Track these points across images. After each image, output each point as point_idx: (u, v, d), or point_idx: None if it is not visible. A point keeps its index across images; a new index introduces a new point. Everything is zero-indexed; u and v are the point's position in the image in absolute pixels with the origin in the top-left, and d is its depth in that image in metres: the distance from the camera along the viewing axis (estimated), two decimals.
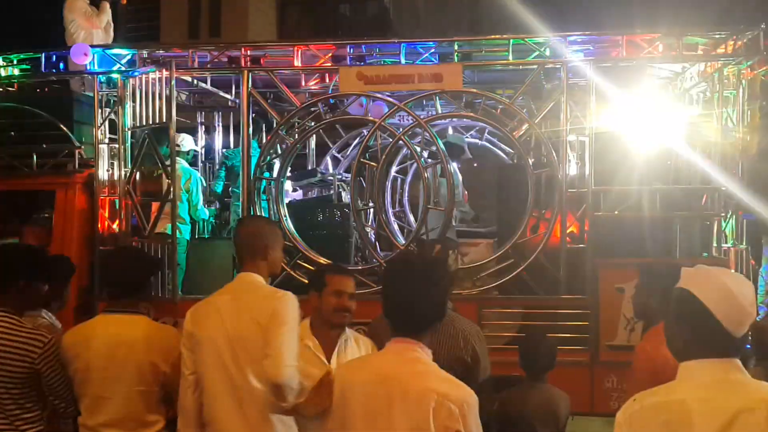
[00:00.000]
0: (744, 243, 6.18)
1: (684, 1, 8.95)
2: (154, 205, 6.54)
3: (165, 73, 6.34)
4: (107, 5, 8.06)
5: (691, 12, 8.32)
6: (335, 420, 2.47)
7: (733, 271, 5.77)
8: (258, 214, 6.63)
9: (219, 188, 8.65)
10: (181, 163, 7.35)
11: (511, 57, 6.36)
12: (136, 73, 6.54)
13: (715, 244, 6.19)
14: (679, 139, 6.18)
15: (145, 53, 6.82)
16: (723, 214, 6.11)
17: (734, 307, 2.03)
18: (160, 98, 6.37)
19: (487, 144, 8.69)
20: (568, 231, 6.16)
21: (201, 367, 3.10)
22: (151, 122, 6.46)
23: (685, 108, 6.77)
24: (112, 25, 8.07)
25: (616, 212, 6.15)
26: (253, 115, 6.88)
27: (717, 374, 2.02)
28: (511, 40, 6.32)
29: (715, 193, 6.13)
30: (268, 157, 6.87)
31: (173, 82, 6.34)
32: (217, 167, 8.71)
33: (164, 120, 6.37)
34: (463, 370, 3.36)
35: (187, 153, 7.95)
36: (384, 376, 2.40)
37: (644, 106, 6.11)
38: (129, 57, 6.81)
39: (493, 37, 6.61)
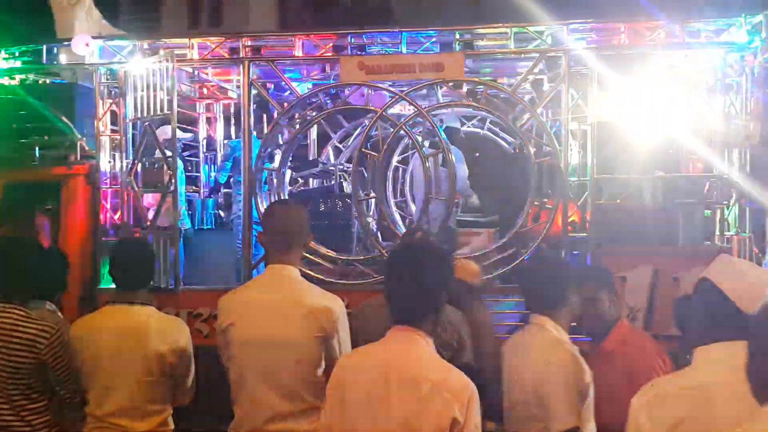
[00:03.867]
0: (747, 231, 6.17)
1: None
2: (155, 197, 6.54)
3: (165, 63, 6.32)
4: None
5: None
6: (334, 405, 2.47)
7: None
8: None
9: (223, 179, 8.61)
10: None
11: (512, 45, 6.35)
12: (136, 64, 6.53)
13: (717, 233, 6.18)
14: (682, 127, 6.16)
15: (146, 44, 6.81)
16: (726, 203, 6.10)
17: (745, 286, 2.04)
18: (161, 89, 6.36)
19: (489, 133, 8.67)
20: (569, 220, 6.16)
21: (236, 362, 2.96)
22: (152, 113, 6.46)
23: (688, 96, 6.74)
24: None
25: (618, 201, 6.14)
26: (254, 105, 6.85)
27: (736, 357, 1.93)
28: (513, 29, 6.31)
29: (717, 182, 6.12)
30: (269, 148, 6.86)
31: (174, 72, 6.31)
32: (222, 159, 8.68)
33: (165, 111, 6.37)
34: (450, 355, 3.39)
35: None
36: (382, 362, 2.41)
37: (646, 94, 6.09)
38: (130, 48, 6.80)
39: (494, 25, 6.57)
